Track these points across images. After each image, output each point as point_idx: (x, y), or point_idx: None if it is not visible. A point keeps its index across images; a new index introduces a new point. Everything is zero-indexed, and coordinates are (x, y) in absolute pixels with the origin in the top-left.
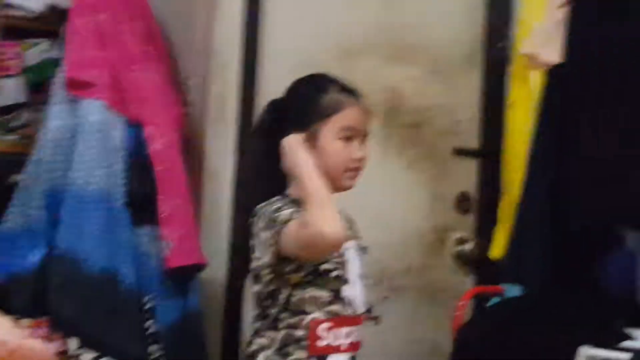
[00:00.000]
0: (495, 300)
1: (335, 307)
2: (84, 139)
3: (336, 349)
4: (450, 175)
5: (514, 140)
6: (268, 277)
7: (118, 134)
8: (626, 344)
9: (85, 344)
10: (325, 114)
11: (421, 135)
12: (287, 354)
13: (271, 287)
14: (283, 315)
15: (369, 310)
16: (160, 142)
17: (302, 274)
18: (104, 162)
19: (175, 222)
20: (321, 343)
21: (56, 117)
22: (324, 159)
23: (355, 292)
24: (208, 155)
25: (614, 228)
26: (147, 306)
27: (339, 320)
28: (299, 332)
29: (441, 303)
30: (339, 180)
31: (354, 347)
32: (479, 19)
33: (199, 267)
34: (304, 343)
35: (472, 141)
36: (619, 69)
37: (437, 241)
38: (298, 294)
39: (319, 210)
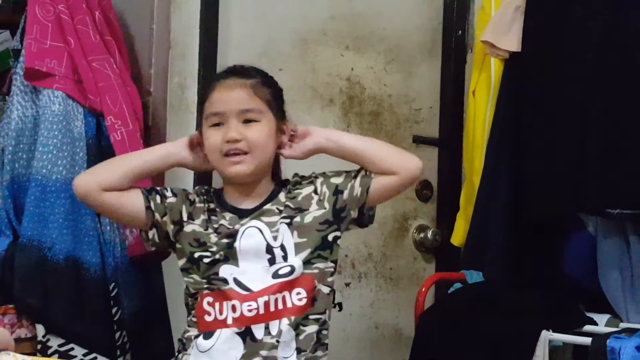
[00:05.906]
0: (456, 286)
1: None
2: (46, 128)
3: (222, 323)
4: None
5: (474, 129)
6: None
7: (79, 123)
8: (587, 328)
9: (51, 331)
10: (201, 110)
11: (381, 124)
12: (185, 332)
13: None
14: (186, 298)
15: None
16: (121, 132)
17: (182, 260)
18: (67, 151)
19: None
20: (208, 318)
21: (18, 107)
22: (207, 153)
23: (242, 269)
24: None
25: (574, 214)
26: (112, 293)
27: (220, 294)
28: (193, 311)
29: (403, 289)
30: (221, 169)
31: (244, 321)
32: (438, 7)
33: (162, 256)
34: (195, 320)
35: (432, 130)
36: (576, 59)
37: (399, 229)
38: (186, 278)
39: None
